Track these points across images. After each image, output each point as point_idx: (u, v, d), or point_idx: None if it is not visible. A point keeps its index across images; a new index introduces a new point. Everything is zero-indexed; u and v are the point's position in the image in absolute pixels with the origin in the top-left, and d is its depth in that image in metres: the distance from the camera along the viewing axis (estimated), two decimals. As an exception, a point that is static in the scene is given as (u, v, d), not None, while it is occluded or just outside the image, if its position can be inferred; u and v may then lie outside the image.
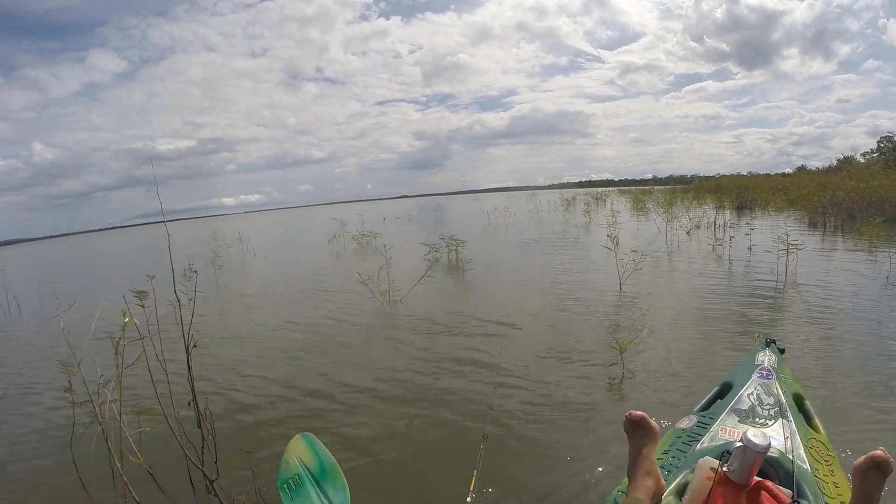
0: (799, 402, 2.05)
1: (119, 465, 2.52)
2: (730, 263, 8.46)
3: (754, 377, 2.09)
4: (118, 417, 2.72)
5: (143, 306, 2.77)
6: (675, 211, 15.87)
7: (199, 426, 2.65)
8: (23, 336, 7.36)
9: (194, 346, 2.50)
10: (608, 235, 7.20)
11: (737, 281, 7.11)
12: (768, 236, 11.27)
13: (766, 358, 2.28)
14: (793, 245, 7.04)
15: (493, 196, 67.45)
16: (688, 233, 12.96)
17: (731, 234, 9.76)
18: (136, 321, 2.68)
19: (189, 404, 2.69)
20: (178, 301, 2.49)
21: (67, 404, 3.01)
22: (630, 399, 3.52)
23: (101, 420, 2.61)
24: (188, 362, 2.55)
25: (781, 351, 2.52)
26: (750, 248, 9.20)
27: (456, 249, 9.75)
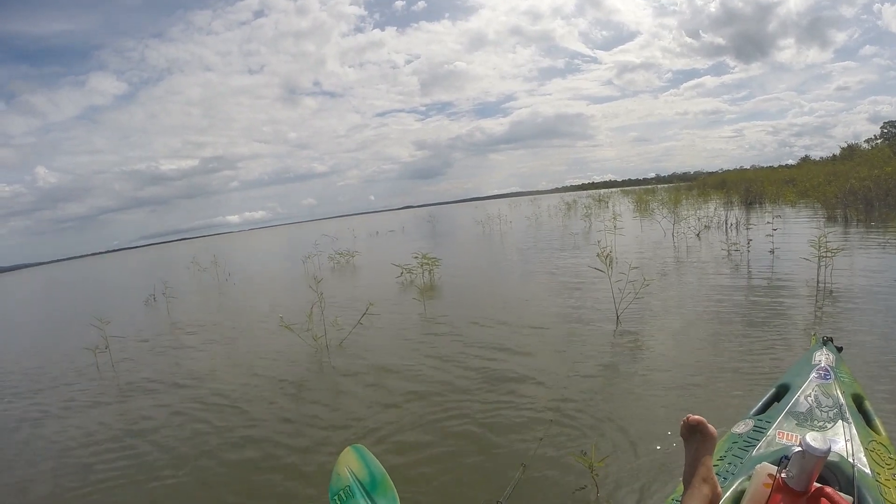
0: (859, 402, 1.93)
1: None
2: (750, 273, 7.11)
3: (812, 377, 2.00)
4: None
5: None
6: (682, 210, 14.61)
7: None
8: None
9: None
10: (598, 255, 5.59)
11: (764, 296, 5.76)
12: (789, 236, 10.04)
13: (823, 357, 2.17)
14: (832, 251, 5.74)
15: (496, 203, 66.26)
16: (697, 235, 11.62)
17: (749, 237, 8.40)
18: None
19: None
20: None
21: None
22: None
23: None
24: None
25: (839, 349, 2.34)
26: (772, 252, 7.86)
27: (430, 270, 8.44)
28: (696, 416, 1.48)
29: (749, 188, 21.52)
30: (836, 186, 14.25)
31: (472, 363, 4.57)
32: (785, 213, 15.07)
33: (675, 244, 10.63)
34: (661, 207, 16.06)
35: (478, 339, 5.28)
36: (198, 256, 21.68)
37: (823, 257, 5.82)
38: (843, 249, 6.17)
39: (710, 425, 1.46)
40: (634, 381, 3.83)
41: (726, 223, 13.09)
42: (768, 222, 8.51)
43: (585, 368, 4.17)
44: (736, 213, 15.37)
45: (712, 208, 16.54)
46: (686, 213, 14.47)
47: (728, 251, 8.63)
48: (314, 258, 14.50)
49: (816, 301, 5.32)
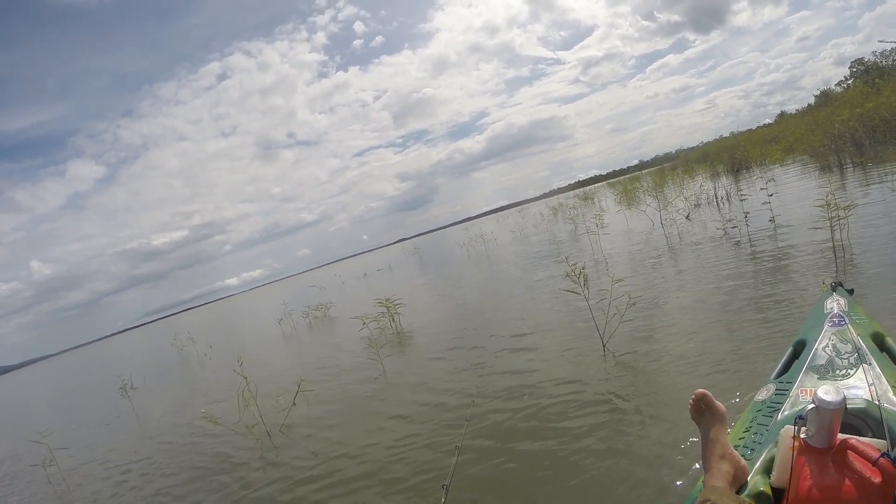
0: (879, 341, 1.80)
1: None
2: (754, 251, 6.14)
3: (826, 327, 1.87)
4: None
5: None
6: (667, 193, 13.73)
7: None
8: None
9: None
10: (568, 274, 4.66)
11: (773, 268, 4.81)
12: (785, 197, 9.16)
13: (834, 304, 2.05)
14: (843, 209, 4.82)
15: (486, 220, 65.42)
16: (688, 217, 10.69)
17: (745, 210, 7.47)
18: None
19: None
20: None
21: None
22: None
23: None
24: None
25: (850, 292, 2.23)
26: (773, 221, 6.92)
27: (393, 316, 7.43)
28: (701, 390, 1.41)
29: (733, 155, 20.76)
30: (821, 134, 13.53)
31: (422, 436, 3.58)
32: (775, 173, 14.24)
33: (666, 232, 9.68)
34: (644, 194, 15.19)
35: (438, 404, 4.28)
36: (181, 333, 20.71)
37: (836, 218, 4.89)
38: (852, 204, 5.24)
39: (716, 400, 1.39)
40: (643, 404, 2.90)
41: (716, 197, 12.20)
42: (762, 188, 7.60)
43: (578, 376, 3.20)
44: (724, 184, 14.48)
45: (699, 184, 15.72)
46: (672, 194, 13.59)
47: (724, 229, 7.68)
48: (292, 315, 13.52)
49: (834, 256, 4.72)
